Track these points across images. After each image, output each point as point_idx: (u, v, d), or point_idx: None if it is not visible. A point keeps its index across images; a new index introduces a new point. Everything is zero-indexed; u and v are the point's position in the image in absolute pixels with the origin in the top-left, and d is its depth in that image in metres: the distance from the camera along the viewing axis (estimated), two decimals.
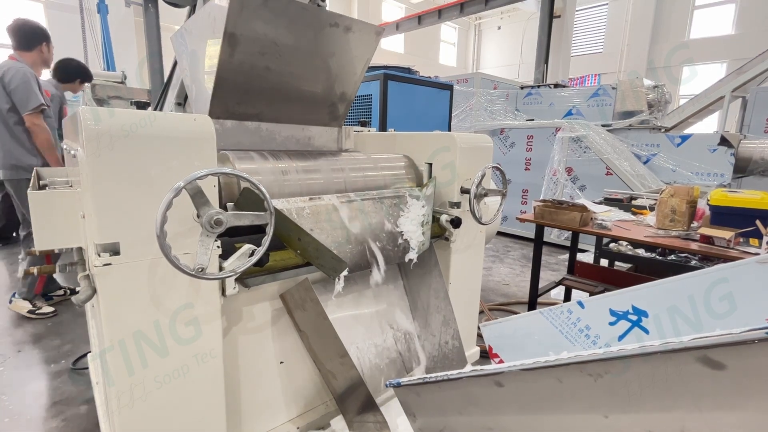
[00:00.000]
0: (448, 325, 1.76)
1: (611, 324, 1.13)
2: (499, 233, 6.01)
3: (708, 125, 8.59)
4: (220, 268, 1.17)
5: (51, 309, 3.14)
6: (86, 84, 3.75)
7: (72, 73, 3.42)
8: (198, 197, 1.01)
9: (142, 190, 1.03)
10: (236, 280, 1.27)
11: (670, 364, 0.58)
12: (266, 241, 1.13)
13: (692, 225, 2.37)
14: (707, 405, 0.59)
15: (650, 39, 13.14)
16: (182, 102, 2.33)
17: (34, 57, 3.02)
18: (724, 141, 3.67)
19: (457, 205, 1.85)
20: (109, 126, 0.98)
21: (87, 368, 2.34)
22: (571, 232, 3.33)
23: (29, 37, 3.00)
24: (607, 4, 14.18)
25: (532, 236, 2.90)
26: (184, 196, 0.98)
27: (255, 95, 1.72)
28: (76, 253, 1.36)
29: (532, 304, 2.88)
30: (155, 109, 2.63)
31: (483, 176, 1.78)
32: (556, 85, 5.80)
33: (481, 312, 3.07)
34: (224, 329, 1.33)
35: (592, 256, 3.69)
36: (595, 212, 2.69)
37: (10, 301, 3.15)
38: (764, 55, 5.62)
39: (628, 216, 2.76)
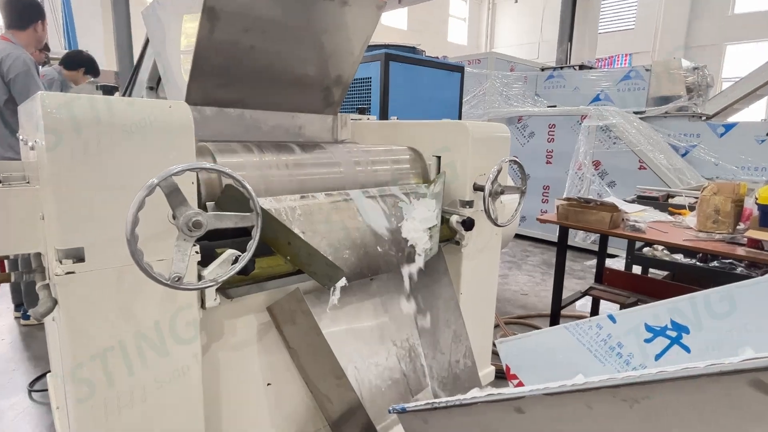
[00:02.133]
0: (459, 342, 1.76)
1: (647, 341, 1.13)
2: (517, 236, 6.01)
3: (755, 112, 8.60)
4: (199, 277, 1.17)
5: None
6: (90, 78, 4.04)
7: (78, 61, 3.76)
8: (174, 196, 1.01)
9: (110, 188, 1.03)
10: (217, 290, 1.26)
11: (717, 388, 0.58)
12: (252, 245, 1.13)
13: (738, 227, 2.37)
14: None
15: (689, 13, 13.13)
16: (155, 86, 2.33)
17: (28, 37, 2.97)
18: None
19: (470, 204, 1.85)
20: (73, 113, 0.98)
21: (46, 390, 2.34)
22: (599, 235, 3.34)
23: (24, 15, 2.94)
24: None
25: (555, 239, 2.91)
26: (158, 194, 0.98)
27: (238, 78, 1.72)
28: (33, 259, 1.35)
29: (554, 318, 2.88)
30: (124, 94, 2.63)
31: (499, 171, 1.78)
32: (582, 67, 5.80)
33: (497, 326, 3.08)
34: (204, 346, 1.33)
35: (623, 262, 3.68)
36: (626, 212, 2.69)
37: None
38: None
39: (664, 216, 2.76)
